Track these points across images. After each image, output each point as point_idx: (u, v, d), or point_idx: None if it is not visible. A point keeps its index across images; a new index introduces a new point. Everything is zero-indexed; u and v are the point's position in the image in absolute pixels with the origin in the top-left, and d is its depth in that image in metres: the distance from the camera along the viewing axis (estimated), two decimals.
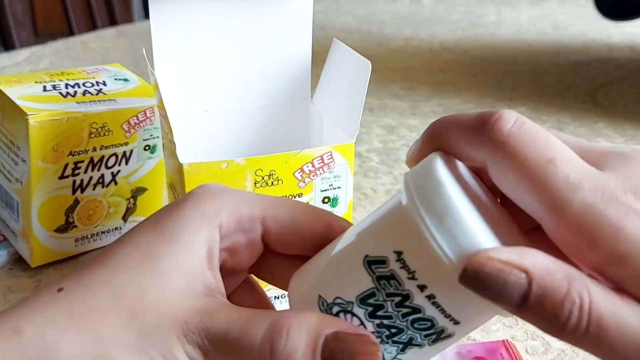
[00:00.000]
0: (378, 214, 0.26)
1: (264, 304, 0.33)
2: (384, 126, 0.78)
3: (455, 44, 1.09)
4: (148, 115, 0.49)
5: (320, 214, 0.30)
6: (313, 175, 0.42)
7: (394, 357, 0.27)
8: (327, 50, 0.48)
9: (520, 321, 0.44)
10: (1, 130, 0.48)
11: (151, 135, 0.49)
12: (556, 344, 0.42)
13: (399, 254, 0.24)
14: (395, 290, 0.25)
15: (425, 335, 0.26)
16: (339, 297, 0.26)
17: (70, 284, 0.27)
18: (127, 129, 0.48)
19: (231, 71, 0.48)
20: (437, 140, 0.27)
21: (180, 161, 0.39)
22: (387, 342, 0.26)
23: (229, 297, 0.30)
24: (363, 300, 0.25)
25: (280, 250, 0.31)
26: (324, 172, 0.42)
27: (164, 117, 0.41)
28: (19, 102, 0.45)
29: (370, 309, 0.25)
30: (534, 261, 0.22)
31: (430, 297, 0.24)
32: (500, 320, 0.44)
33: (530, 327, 0.43)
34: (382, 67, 0.96)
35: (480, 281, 0.22)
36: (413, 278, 0.24)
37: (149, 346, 0.26)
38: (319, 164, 0.42)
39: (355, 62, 0.44)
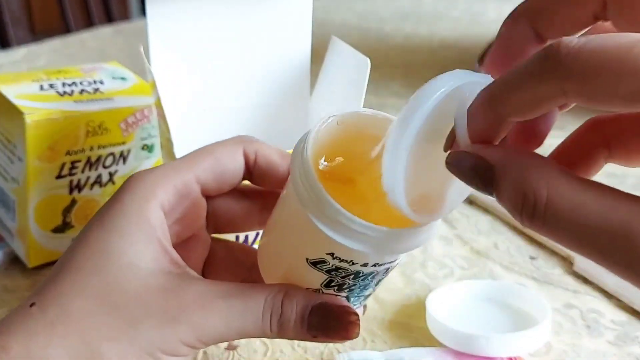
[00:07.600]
0: (291, 215, 0.29)
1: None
2: None
3: (456, 42, 1.09)
4: (146, 114, 0.48)
5: (235, 146, 0.32)
6: None
7: (359, 301, 0.32)
8: (325, 47, 0.48)
9: None
10: None
11: (149, 134, 0.49)
12: (558, 345, 0.42)
13: (332, 254, 0.28)
14: (345, 273, 0.29)
15: (379, 280, 0.31)
16: (308, 288, 0.30)
17: (40, 297, 0.27)
18: (124, 128, 0.48)
19: (229, 69, 0.48)
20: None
21: None
22: (356, 297, 0.31)
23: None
24: (327, 285, 0.30)
25: (218, 192, 0.33)
26: None
27: (162, 115, 0.41)
28: (15, 101, 0.45)
29: (335, 287, 0.30)
30: (497, 154, 0.24)
31: (375, 265, 0.29)
32: None
33: None
34: (382, 65, 0.95)
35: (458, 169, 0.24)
36: (353, 263, 0.28)
37: (139, 335, 0.27)
38: None
39: (355, 60, 0.44)
